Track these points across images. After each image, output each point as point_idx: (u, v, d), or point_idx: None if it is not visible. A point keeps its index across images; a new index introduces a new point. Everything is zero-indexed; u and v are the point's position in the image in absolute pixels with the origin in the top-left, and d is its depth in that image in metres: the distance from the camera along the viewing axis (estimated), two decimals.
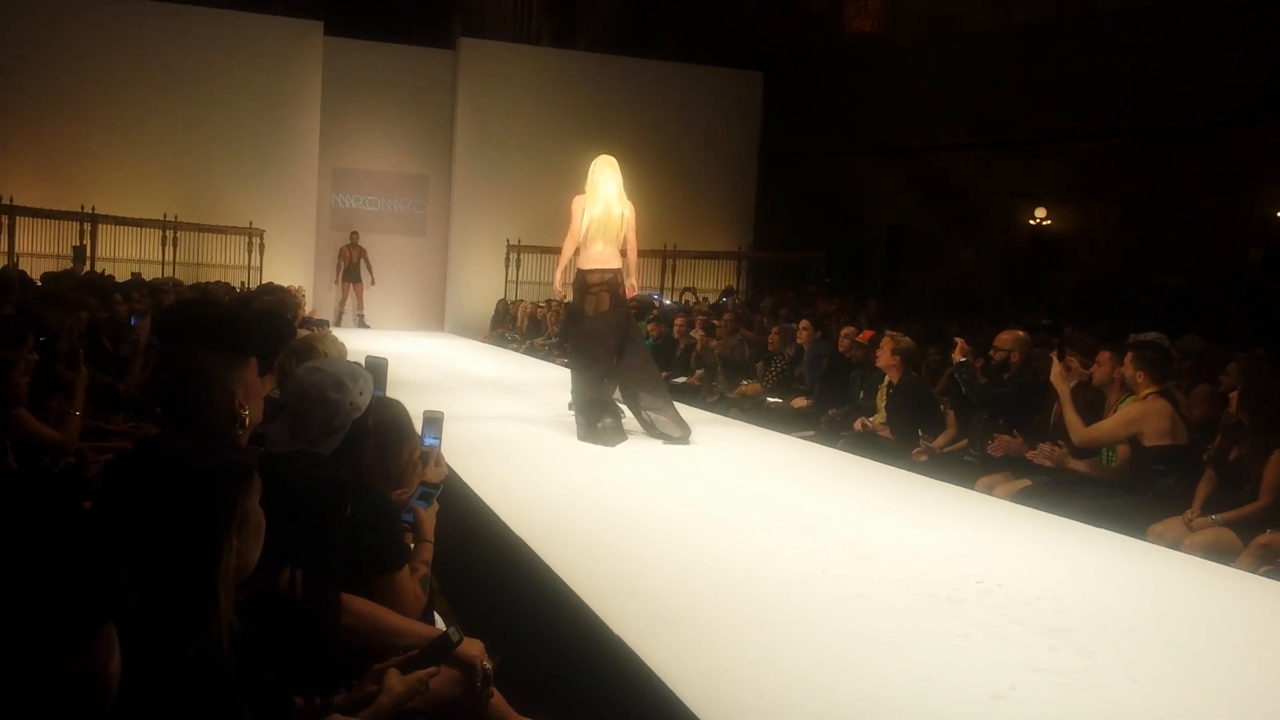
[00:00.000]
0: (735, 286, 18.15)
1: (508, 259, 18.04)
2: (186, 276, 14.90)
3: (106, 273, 12.50)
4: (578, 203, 6.98)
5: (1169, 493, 5.07)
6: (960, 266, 17.78)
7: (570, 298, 7.04)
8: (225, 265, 16.34)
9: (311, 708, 2.10)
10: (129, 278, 12.16)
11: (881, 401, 7.31)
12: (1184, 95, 15.02)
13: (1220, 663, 3.01)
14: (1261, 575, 4.03)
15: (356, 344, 11.20)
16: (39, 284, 8.81)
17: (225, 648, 1.65)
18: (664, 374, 10.84)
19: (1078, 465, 5.51)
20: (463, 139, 18.34)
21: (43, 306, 5.36)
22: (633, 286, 6.97)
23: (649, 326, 12.31)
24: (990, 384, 6.45)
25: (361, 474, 2.68)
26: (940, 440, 6.71)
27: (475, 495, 4.58)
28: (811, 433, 7.76)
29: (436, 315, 18.56)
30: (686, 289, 17.42)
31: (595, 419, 6.40)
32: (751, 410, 8.89)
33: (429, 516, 2.97)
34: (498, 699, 2.55)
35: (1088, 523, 4.63)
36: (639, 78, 19.01)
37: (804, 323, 9.62)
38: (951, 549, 4.03)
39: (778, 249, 19.19)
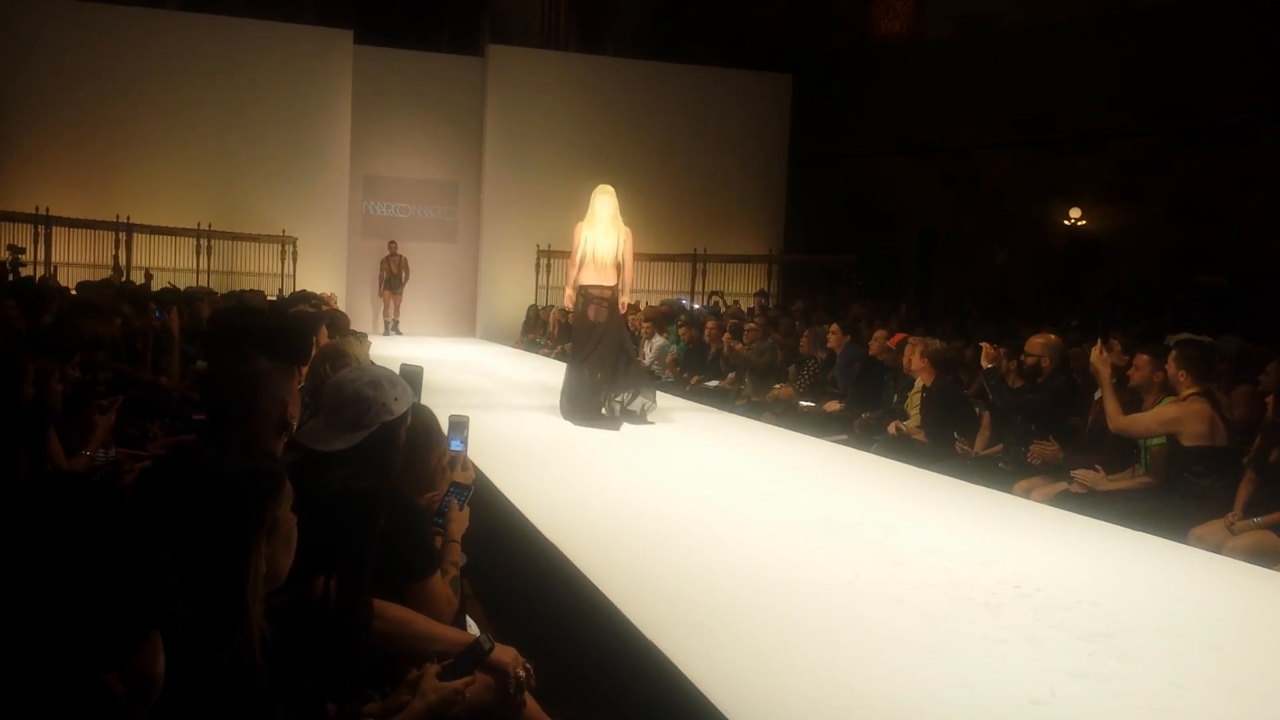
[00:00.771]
0: (767, 290, 18.10)
1: (538, 265, 18.08)
2: (220, 285, 15.04)
3: (140, 282, 12.65)
4: (579, 229, 7.76)
5: (1210, 494, 4.99)
6: (994, 269, 17.63)
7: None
8: (259, 273, 16.46)
9: (345, 715, 2.10)
10: (162, 288, 12.32)
11: (915, 405, 7.25)
12: (1221, 92, 14.83)
13: (1264, 667, 2.95)
14: None
15: (389, 351, 11.27)
16: (73, 293, 8.93)
17: (257, 654, 1.65)
18: (694, 379, 10.90)
19: (1118, 484, 5.43)
20: (492, 145, 18.41)
21: (77, 316, 5.40)
22: (624, 304, 7.99)
23: (680, 331, 12.29)
24: (1023, 389, 6.39)
25: (393, 481, 2.69)
26: (978, 445, 6.65)
27: (508, 500, 4.58)
28: (845, 436, 7.71)
29: (468, 321, 18.63)
30: (714, 293, 17.38)
31: (580, 407, 7.36)
32: (784, 414, 8.85)
33: (460, 518, 2.98)
34: (531, 704, 2.54)
35: (1127, 526, 4.56)
36: (667, 82, 19.01)
37: (833, 327, 9.56)
38: (988, 553, 3.98)
39: (809, 252, 19.11)
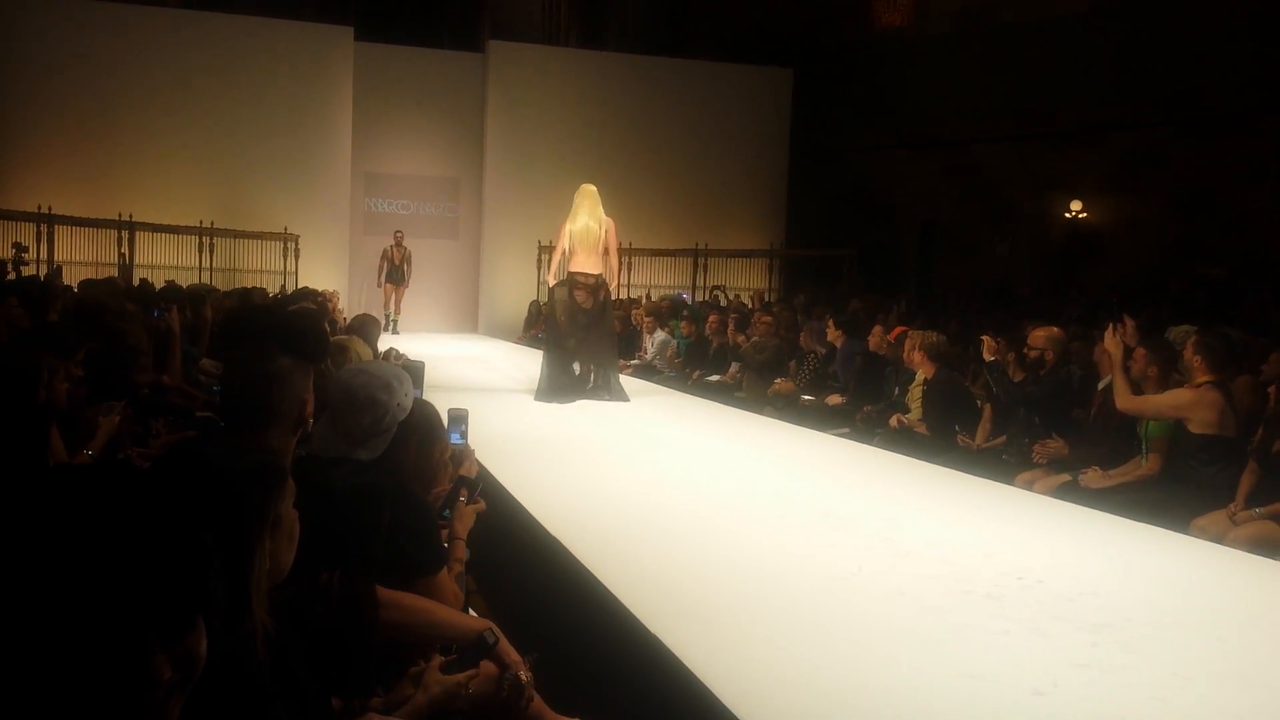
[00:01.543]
0: (768, 288, 18.09)
1: (540, 260, 18.09)
2: (223, 282, 15.05)
3: (143, 280, 12.66)
4: (564, 225, 8.56)
5: (1212, 484, 4.99)
6: (995, 262, 17.63)
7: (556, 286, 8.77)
8: (261, 270, 16.47)
9: (350, 710, 2.11)
10: (164, 285, 12.33)
11: (916, 398, 7.26)
12: (1221, 83, 14.82)
13: (1267, 657, 2.95)
14: None
15: (389, 347, 11.26)
16: (75, 290, 8.94)
17: (260, 650, 1.65)
18: (696, 373, 10.92)
19: (1122, 478, 5.44)
20: (493, 141, 18.41)
21: (103, 315, 5.40)
22: (613, 288, 8.86)
23: (682, 326, 12.30)
24: (1025, 382, 6.39)
25: (400, 477, 2.71)
26: (979, 438, 6.66)
27: (510, 495, 4.58)
28: (846, 430, 7.72)
29: (470, 317, 18.64)
30: (716, 287, 17.38)
31: (553, 386, 8.18)
32: (785, 408, 8.86)
33: (466, 514, 2.99)
34: (535, 698, 2.55)
35: (1129, 517, 4.57)
36: (668, 77, 19.00)
37: (829, 322, 9.57)
38: (991, 545, 3.99)
39: (810, 247, 19.10)
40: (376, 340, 6.73)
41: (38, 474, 1.13)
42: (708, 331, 11.49)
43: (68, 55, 15.98)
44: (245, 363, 2.70)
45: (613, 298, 8.75)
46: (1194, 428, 5.12)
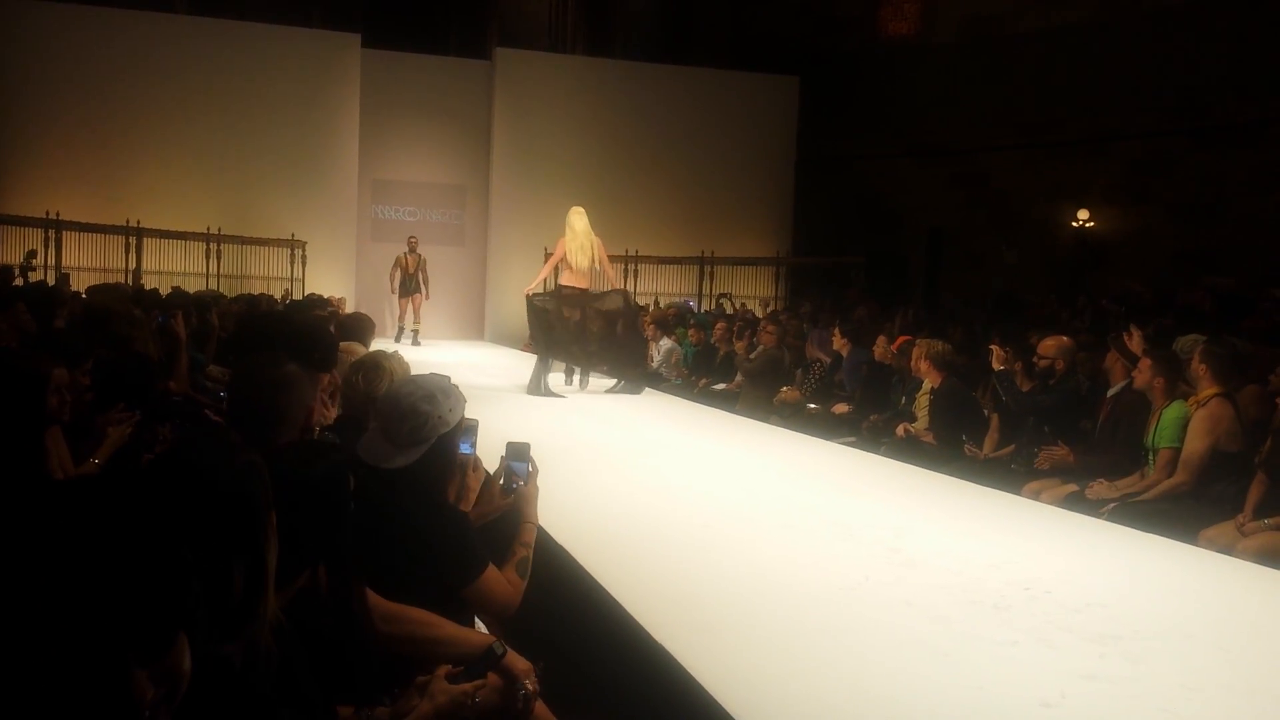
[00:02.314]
0: (775, 293, 18.10)
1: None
2: (230, 289, 15.10)
3: (151, 286, 12.69)
4: (561, 242, 9.56)
5: (1221, 496, 4.98)
6: (1003, 270, 17.60)
7: (535, 297, 9.74)
8: (268, 277, 16.52)
9: (358, 718, 2.10)
10: (171, 290, 12.37)
11: (923, 407, 7.25)
12: (1228, 94, 14.80)
13: (1275, 669, 2.94)
14: None
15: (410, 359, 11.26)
16: (83, 296, 8.96)
17: (266, 655, 1.65)
18: (702, 381, 10.91)
19: (1129, 489, 5.42)
20: (500, 149, 18.43)
21: (112, 322, 5.41)
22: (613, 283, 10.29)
23: (690, 334, 12.29)
24: (1034, 391, 6.38)
25: (431, 487, 2.74)
26: (987, 447, 6.64)
27: None
28: (853, 439, 7.71)
29: (476, 325, 18.65)
30: (723, 295, 17.38)
31: (540, 382, 9.07)
32: (791, 417, 8.85)
33: (528, 493, 3.07)
34: (540, 707, 2.54)
35: (1137, 528, 4.55)
36: (675, 84, 19.01)
37: (835, 331, 9.56)
38: (998, 555, 3.97)
39: (817, 254, 19.09)
40: (369, 341, 6.73)
41: (20, 487, 1.11)
42: (714, 339, 11.49)
43: (75, 62, 16.05)
44: (253, 368, 2.71)
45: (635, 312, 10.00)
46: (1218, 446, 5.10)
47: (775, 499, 5.05)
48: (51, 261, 14.54)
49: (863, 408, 8.35)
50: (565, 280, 9.51)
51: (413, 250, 16.42)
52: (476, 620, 2.97)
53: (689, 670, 2.70)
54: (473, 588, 2.67)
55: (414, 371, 3.85)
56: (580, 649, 3.40)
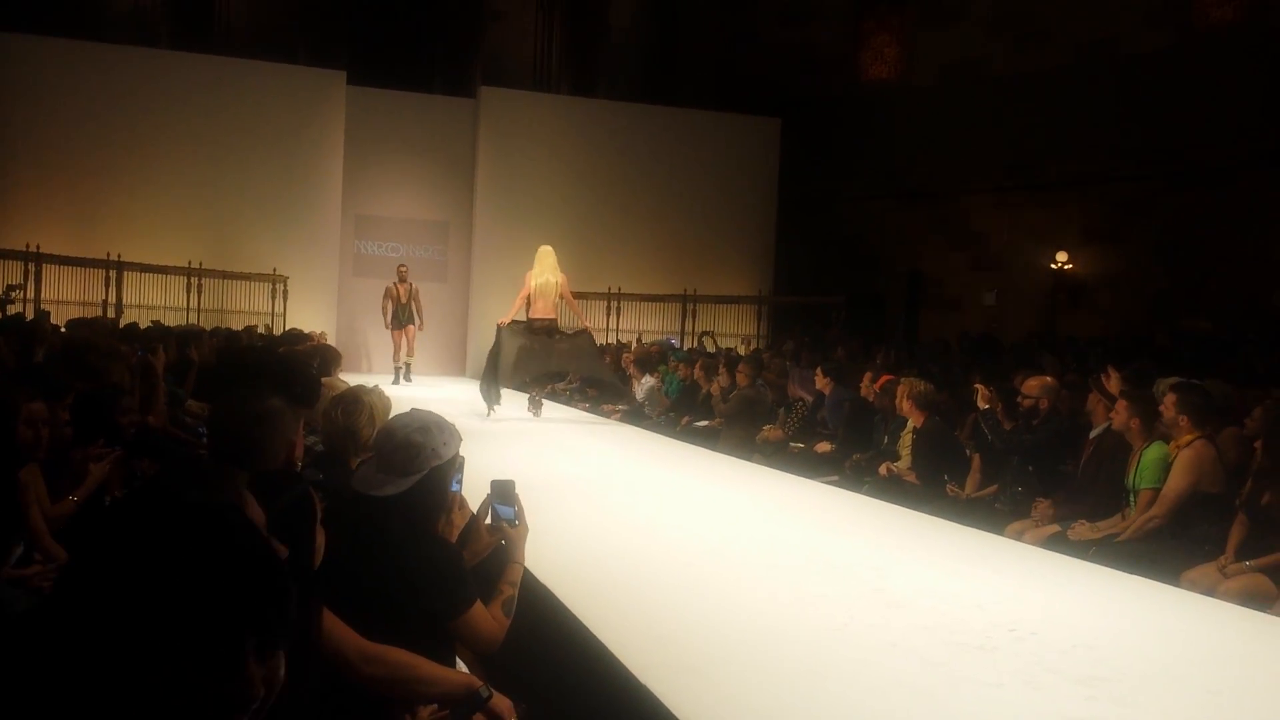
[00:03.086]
0: (757, 331, 18.15)
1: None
2: (210, 323, 15.03)
3: (130, 320, 12.62)
4: (529, 276, 10.90)
5: (1203, 538, 4.99)
6: (982, 311, 17.72)
7: (507, 327, 10.81)
8: (249, 312, 16.46)
9: None
10: (150, 324, 12.30)
11: (906, 446, 7.26)
12: (1205, 138, 15.01)
13: (1259, 710, 2.94)
14: None
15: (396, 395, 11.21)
16: (63, 330, 8.89)
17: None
18: (685, 419, 10.90)
19: (1110, 530, 5.43)
20: (483, 186, 18.49)
21: (89, 355, 5.37)
22: (583, 323, 11.85)
23: (680, 369, 12.29)
24: (1018, 430, 6.40)
25: (421, 519, 2.73)
26: (969, 487, 6.65)
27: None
28: (836, 478, 7.71)
29: (458, 361, 18.61)
30: (705, 332, 17.42)
31: (493, 401, 10.38)
32: (774, 455, 8.84)
33: (517, 534, 3.02)
34: None
35: (1119, 569, 4.55)
36: (658, 124, 19.16)
37: (818, 370, 9.57)
38: (982, 596, 3.97)
39: (798, 293, 19.19)
40: (335, 371, 6.70)
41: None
42: (696, 377, 11.49)
43: (58, 95, 16.05)
44: (235, 401, 2.69)
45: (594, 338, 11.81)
46: (1199, 488, 5.12)
47: (759, 538, 5.03)
48: (31, 295, 14.44)
49: (845, 447, 8.35)
50: (535, 313, 10.79)
51: (403, 280, 15.61)
52: (457, 660, 2.94)
53: (672, 711, 2.67)
54: (460, 620, 2.66)
55: (393, 405, 3.84)
56: (563, 690, 3.36)
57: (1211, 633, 3.79)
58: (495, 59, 19.93)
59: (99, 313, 13.98)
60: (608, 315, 18.41)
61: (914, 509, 6.03)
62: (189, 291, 16.28)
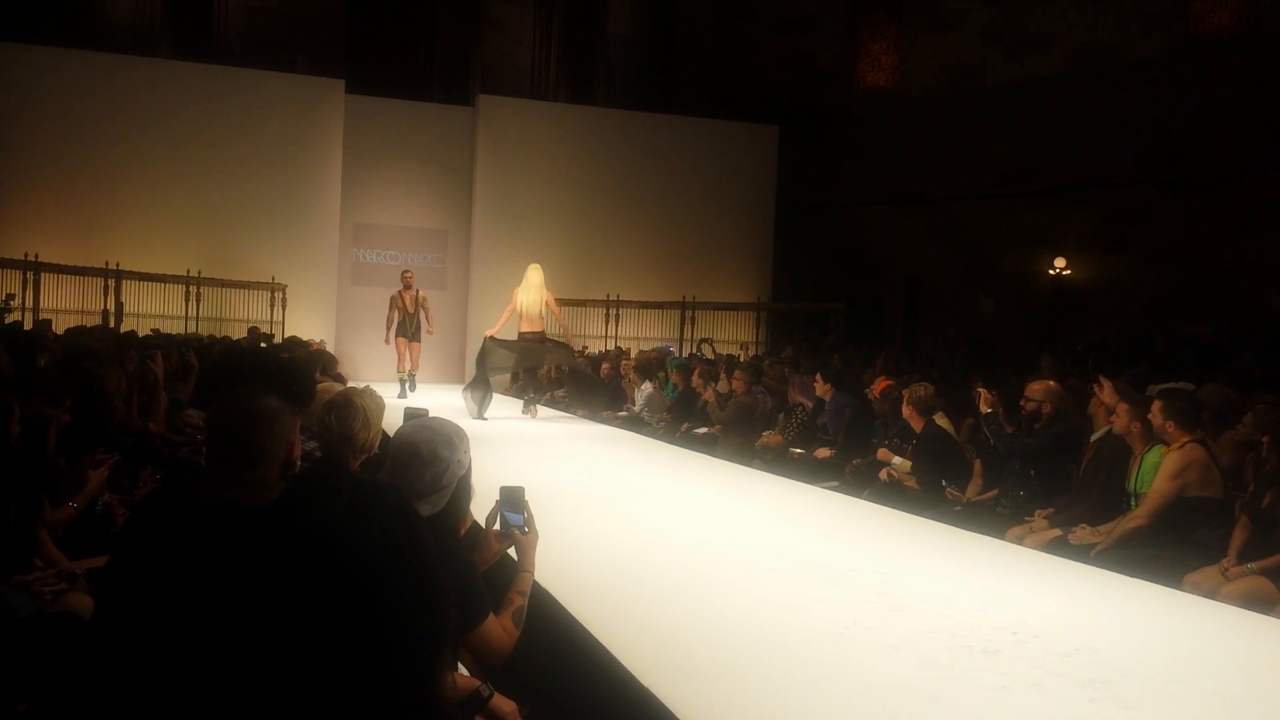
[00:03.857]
0: (755, 339, 18.17)
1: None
2: (209, 331, 15.02)
3: (129, 328, 12.62)
4: (516, 293, 11.57)
5: (1205, 541, 4.99)
6: (980, 317, 17.74)
7: (495, 338, 11.35)
8: (248, 320, 16.46)
9: None
10: (150, 332, 12.30)
11: (906, 451, 7.26)
12: (1203, 143, 15.05)
13: (1261, 713, 2.94)
14: None
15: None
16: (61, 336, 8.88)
17: None
18: (684, 425, 10.90)
19: (1111, 533, 5.43)
20: (482, 194, 18.52)
21: (85, 360, 5.37)
22: (568, 338, 12.70)
23: (675, 377, 12.29)
24: (1019, 434, 6.40)
25: (447, 532, 2.73)
26: (970, 492, 6.65)
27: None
28: (836, 483, 7.71)
29: (457, 369, 18.60)
30: (704, 340, 17.42)
31: (480, 404, 10.81)
32: (774, 461, 8.84)
33: (528, 542, 2.99)
34: None
35: (1122, 572, 4.55)
36: (656, 132, 19.20)
37: (818, 375, 9.58)
38: (985, 600, 3.96)
39: (796, 300, 19.21)
40: (329, 370, 6.69)
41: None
42: (694, 383, 11.48)
43: (57, 104, 16.06)
44: (233, 401, 2.67)
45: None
46: (1188, 491, 5.12)
47: (760, 543, 5.02)
48: (29, 303, 14.43)
49: (845, 452, 8.35)
50: (523, 327, 11.47)
51: (409, 287, 13.97)
52: (460, 667, 2.94)
53: (676, 715, 2.67)
54: (475, 634, 2.65)
55: (386, 408, 3.83)
56: (565, 693, 3.36)
57: (1214, 635, 3.79)
58: (493, 67, 19.97)
59: (98, 322, 13.97)
60: (606, 322, 18.43)
61: (915, 514, 6.02)
62: (188, 300, 16.28)
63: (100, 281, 15.52)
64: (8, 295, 12.26)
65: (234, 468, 2.46)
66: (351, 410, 3.50)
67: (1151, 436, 5.53)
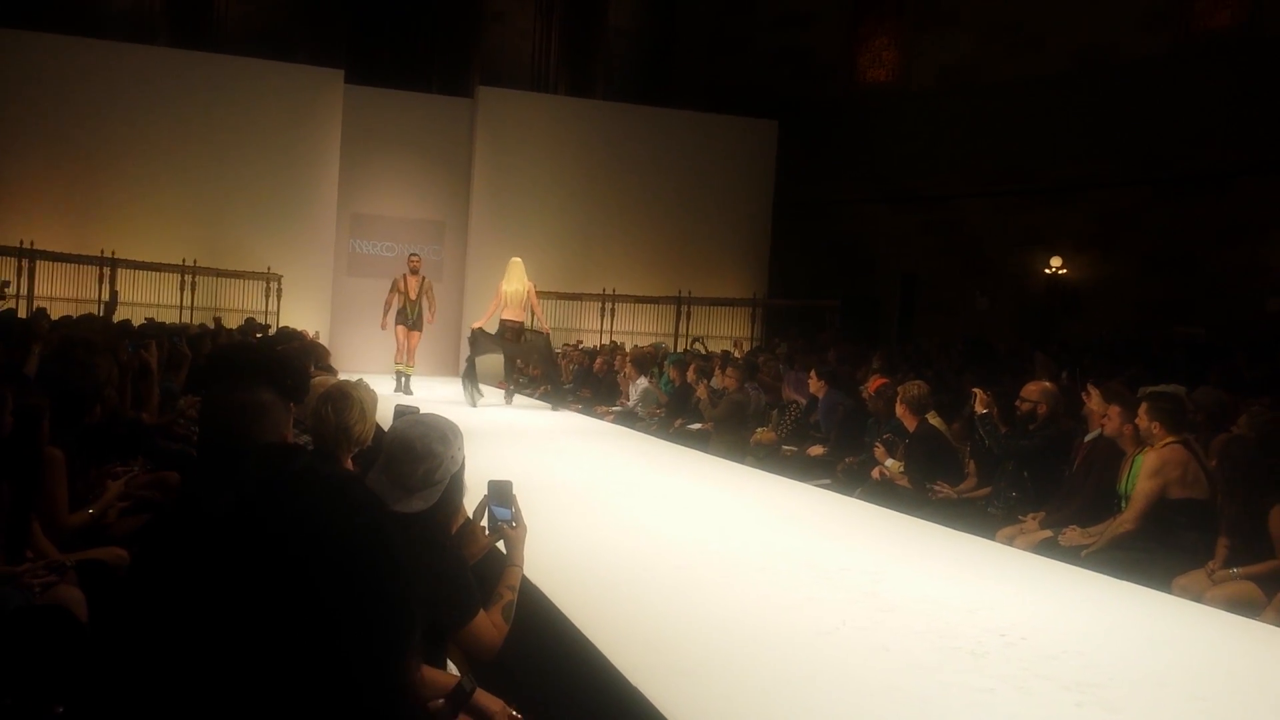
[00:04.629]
0: (751, 334, 18.18)
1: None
2: (204, 321, 15.00)
3: (124, 317, 12.59)
4: (501, 284, 12.19)
5: (1193, 545, 5.01)
6: (975, 315, 17.76)
7: (483, 329, 12.09)
8: (243, 310, 16.42)
9: None
10: (144, 322, 12.28)
11: (898, 450, 7.26)
12: (1199, 145, 15.07)
13: (1248, 716, 2.96)
14: None
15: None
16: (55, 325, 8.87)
17: None
18: (678, 421, 10.90)
19: (1102, 536, 5.44)
20: (480, 186, 18.49)
21: (73, 349, 5.37)
22: (544, 328, 13.25)
23: (671, 372, 12.29)
24: (1014, 434, 6.41)
25: (438, 528, 2.73)
26: (961, 487, 6.66)
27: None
28: (828, 481, 7.72)
29: (452, 361, 18.58)
30: (696, 339, 17.41)
31: (473, 393, 11.63)
32: (766, 459, 8.85)
33: (516, 536, 3.02)
34: None
35: (1111, 575, 4.57)
36: (655, 126, 19.18)
37: (812, 373, 9.58)
38: (974, 601, 3.98)
39: (792, 297, 19.22)
40: (322, 366, 6.68)
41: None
42: (689, 379, 11.48)
43: (53, 91, 16.01)
44: (226, 393, 2.67)
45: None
46: (1170, 493, 5.14)
47: (752, 541, 5.03)
48: (24, 291, 14.40)
49: (838, 450, 8.36)
50: (505, 315, 12.10)
51: (415, 271, 13.07)
52: (449, 664, 2.95)
53: (664, 714, 2.68)
54: (465, 629, 2.66)
55: (378, 400, 3.83)
56: (554, 692, 3.37)
57: (1200, 639, 3.80)
58: (493, 59, 19.94)
59: (94, 310, 13.94)
60: (601, 316, 18.42)
61: (907, 513, 6.03)
62: (183, 289, 16.24)
63: (96, 270, 15.49)
64: (3, 281, 12.22)
65: (223, 461, 2.46)
66: (348, 402, 3.50)
67: (1141, 438, 5.54)
